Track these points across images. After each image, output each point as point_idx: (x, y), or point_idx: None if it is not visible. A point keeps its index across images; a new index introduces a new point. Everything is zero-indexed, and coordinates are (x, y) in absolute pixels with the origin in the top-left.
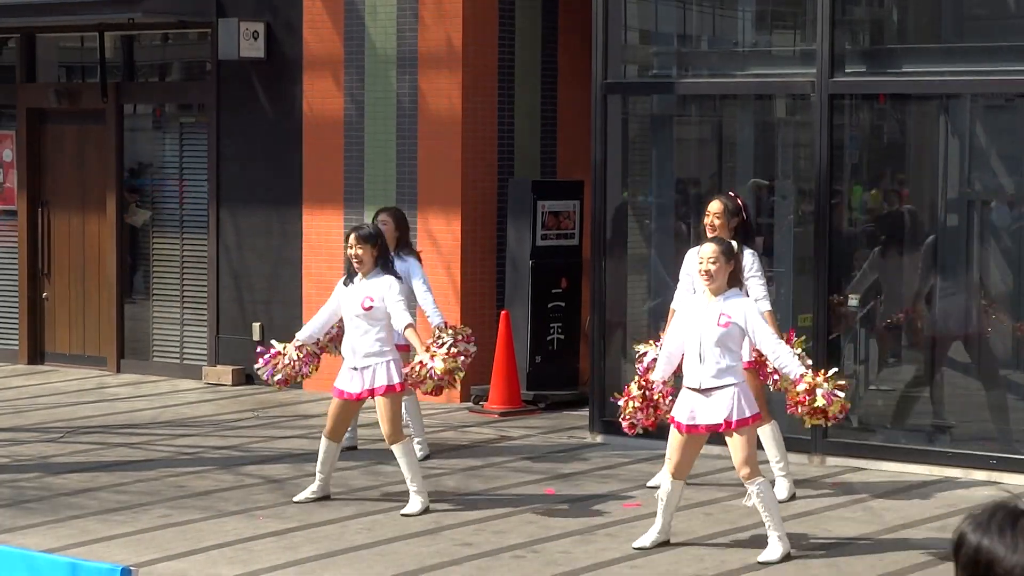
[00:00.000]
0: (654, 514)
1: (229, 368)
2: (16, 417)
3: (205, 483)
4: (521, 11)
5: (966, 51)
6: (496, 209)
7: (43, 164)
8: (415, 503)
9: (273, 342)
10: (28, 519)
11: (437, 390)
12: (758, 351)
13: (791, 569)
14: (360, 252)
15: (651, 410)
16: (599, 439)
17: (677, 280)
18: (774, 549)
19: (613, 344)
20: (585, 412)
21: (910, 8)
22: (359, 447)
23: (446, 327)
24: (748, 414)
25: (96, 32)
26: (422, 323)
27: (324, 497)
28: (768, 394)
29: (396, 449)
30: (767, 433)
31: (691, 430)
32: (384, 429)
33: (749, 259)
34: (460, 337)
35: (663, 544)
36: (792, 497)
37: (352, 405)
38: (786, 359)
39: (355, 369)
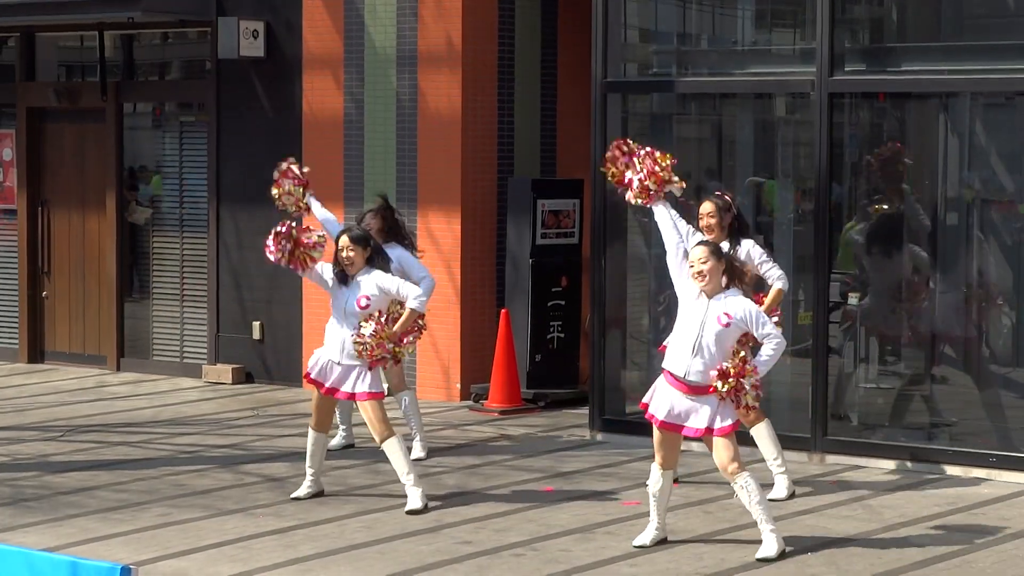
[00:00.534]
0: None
1: (229, 367)
2: (16, 416)
3: (205, 482)
4: (521, 9)
5: (966, 49)
6: (496, 208)
7: (43, 163)
8: (415, 498)
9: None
10: (28, 518)
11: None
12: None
13: (791, 567)
14: (351, 253)
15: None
16: (599, 437)
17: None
18: (769, 544)
19: (613, 343)
20: (585, 410)
21: (910, 7)
22: (356, 445)
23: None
24: (729, 423)
25: (96, 31)
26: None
27: (319, 493)
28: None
29: (386, 447)
30: (762, 431)
31: (672, 429)
32: (372, 431)
33: (753, 249)
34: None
35: (662, 541)
36: (792, 495)
37: (331, 397)
38: (767, 353)
39: (338, 364)
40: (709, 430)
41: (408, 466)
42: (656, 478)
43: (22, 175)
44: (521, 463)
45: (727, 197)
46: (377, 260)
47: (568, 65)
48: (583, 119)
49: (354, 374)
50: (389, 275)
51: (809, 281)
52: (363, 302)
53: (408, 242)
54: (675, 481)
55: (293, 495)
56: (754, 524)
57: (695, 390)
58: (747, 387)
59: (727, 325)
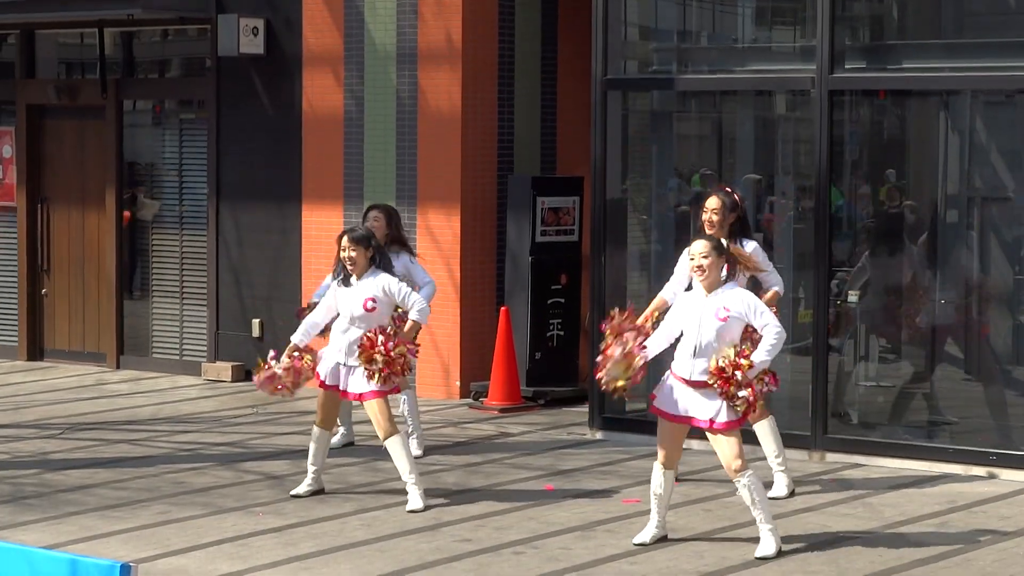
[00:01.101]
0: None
1: (228, 364)
2: (15, 413)
3: (204, 479)
4: (521, 7)
5: (966, 47)
6: (496, 205)
7: (42, 160)
8: (415, 498)
9: (268, 361)
10: (27, 516)
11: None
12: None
13: (791, 565)
14: (354, 254)
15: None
16: (599, 435)
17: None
18: (768, 543)
19: None
20: (585, 408)
21: (910, 4)
22: (356, 443)
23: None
24: (734, 418)
25: (96, 28)
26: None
27: (319, 491)
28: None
29: (389, 444)
30: (765, 428)
31: (680, 420)
32: (377, 429)
33: (755, 252)
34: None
35: (662, 539)
36: (792, 494)
37: (336, 398)
38: (767, 344)
39: (344, 366)
40: (712, 422)
41: (411, 465)
42: (658, 477)
43: (22, 172)
44: (521, 461)
45: (736, 197)
46: (380, 261)
47: (568, 62)
48: (583, 116)
49: (359, 373)
50: (396, 280)
51: (809, 279)
52: (369, 304)
53: (409, 249)
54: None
55: (293, 492)
56: (754, 522)
57: (701, 385)
58: (738, 393)
59: (725, 320)
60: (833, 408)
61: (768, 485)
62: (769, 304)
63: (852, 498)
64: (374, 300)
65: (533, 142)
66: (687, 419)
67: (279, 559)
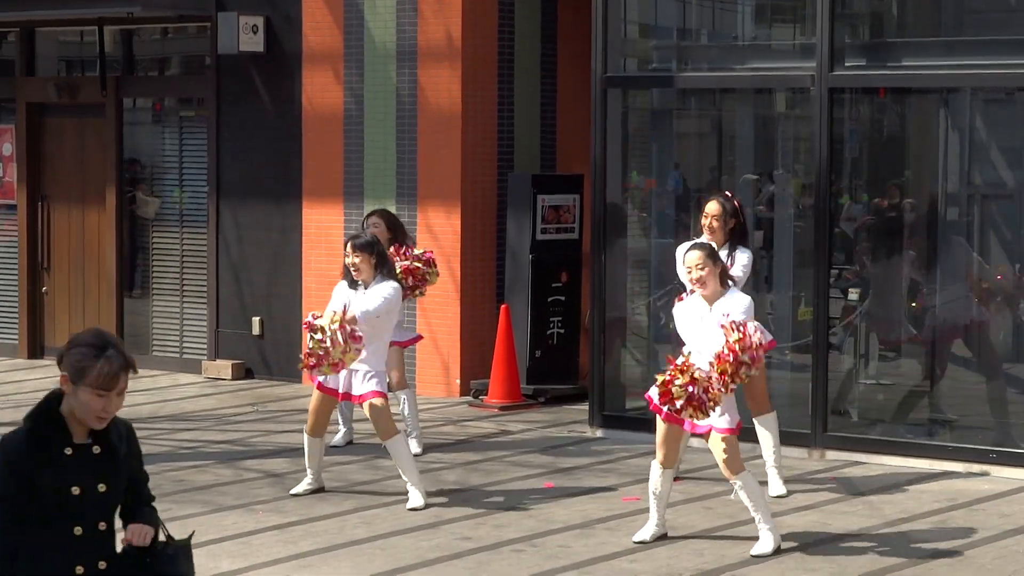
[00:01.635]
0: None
1: (229, 363)
2: (16, 411)
3: (205, 477)
4: (520, 5)
5: (966, 44)
6: (496, 203)
7: (43, 158)
8: (416, 497)
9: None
10: None
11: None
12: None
13: (791, 563)
14: (357, 260)
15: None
16: (599, 433)
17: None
18: (766, 542)
19: (613, 338)
20: (585, 406)
21: (909, 1)
22: (355, 441)
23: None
24: (731, 425)
25: (96, 26)
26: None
27: (319, 489)
28: (769, 386)
29: (391, 444)
30: (768, 422)
31: (677, 422)
32: (378, 429)
33: (748, 263)
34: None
35: (662, 537)
36: (787, 494)
37: (333, 401)
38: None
39: (348, 369)
40: (712, 427)
41: (411, 464)
42: (656, 477)
43: (22, 170)
44: (521, 459)
45: (736, 202)
46: (385, 265)
47: (568, 60)
48: (583, 114)
49: (360, 375)
50: (391, 292)
51: (809, 277)
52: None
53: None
54: (676, 478)
55: (293, 491)
56: (754, 520)
57: None
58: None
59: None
60: (834, 406)
61: (762, 483)
62: None
63: (852, 496)
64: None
65: (533, 140)
66: (683, 422)
67: (279, 557)
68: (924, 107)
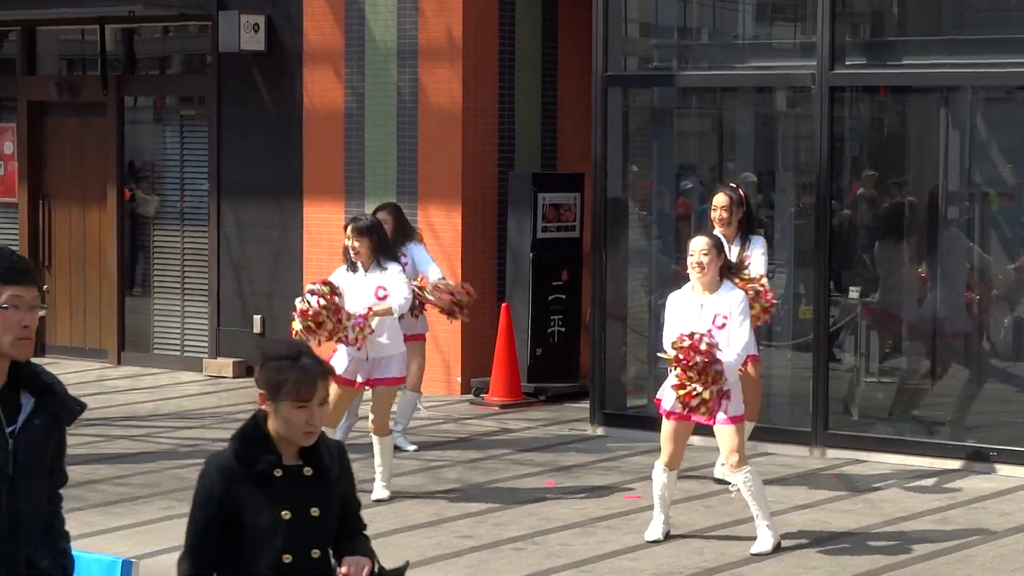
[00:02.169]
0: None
1: (230, 360)
2: None
3: None
4: (521, 3)
5: (966, 43)
6: (497, 201)
7: (44, 156)
8: (381, 491)
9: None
10: None
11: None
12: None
13: (791, 561)
14: (357, 244)
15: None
16: (599, 431)
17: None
18: (764, 540)
19: (614, 337)
20: (586, 404)
21: (910, 0)
22: (352, 440)
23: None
24: (738, 413)
25: (97, 24)
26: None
27: None
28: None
29: (380, 441)
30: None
31: (681, 418)
32: (376, 419)
33: (761, 255)
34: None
35: (665, 535)
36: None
37: (352, 393)
38: (731, 358)
39: (365, 359)
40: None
41: (388, 466)
42: (660, 478)
43: (23, 169)
44: (522, 457)
45: (741, 192)
46: (385, 251)
47: (569, 59)
48: (584, 113)
49: (380, 363)
50: (402, 275)
51: (810, 275)
52: (380, 293)
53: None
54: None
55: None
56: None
57: None
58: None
59: (722, 327)
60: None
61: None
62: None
63: (853, 494)
64: (384, 289)
65: (534, 138)
66: (688, 416)
67: None
68: (925, 106)
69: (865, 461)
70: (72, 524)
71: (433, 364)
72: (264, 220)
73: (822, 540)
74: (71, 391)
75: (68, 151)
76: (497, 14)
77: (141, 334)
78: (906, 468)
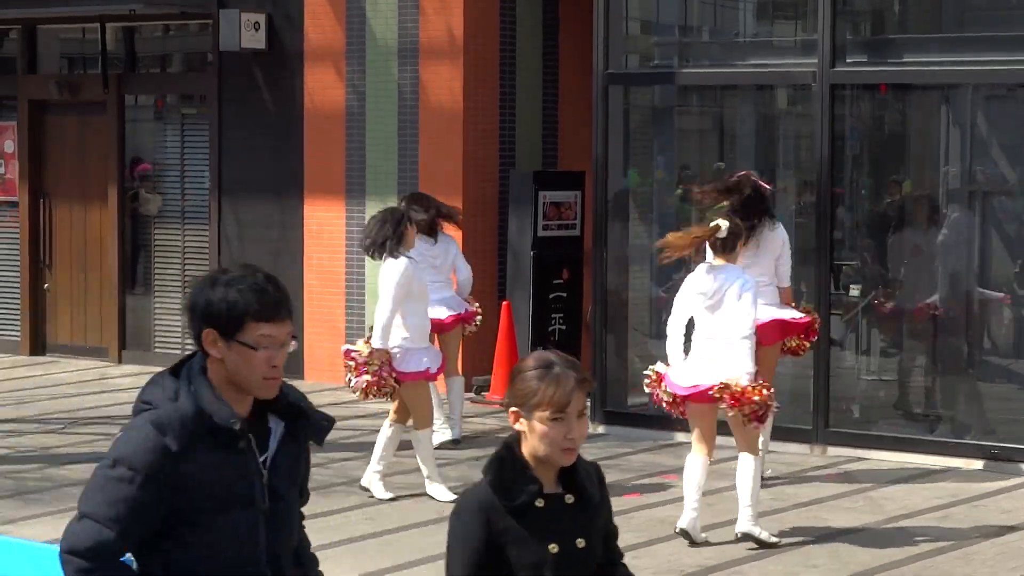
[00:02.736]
0: (657, 505)
1: None
2: (18, 408)
3: None
4: (522, 1)
5: (967, 41)
6: (497, 199)
7: (44, 155)
8: (438, 490)
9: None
10: (30, 510)
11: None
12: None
13: (793, 558)
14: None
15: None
16: (600, 429)
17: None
18: (744, 521)
19: (615, 335)
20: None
21: None
22: (353, 439)
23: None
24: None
25: (97, 23)
26: None
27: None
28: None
29: (413, 435)
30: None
31: (696, 399)
32: (412, 416)
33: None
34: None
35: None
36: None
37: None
38: (740, 356)
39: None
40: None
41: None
42: (700, 472)
43: (23, 167)
44: None
45: (762, 183)
46: (390, 246)
47: (569, 57)
48: (585, 111)
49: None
50: (392, 272)
51: (811, 273)
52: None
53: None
54: (673, 474)
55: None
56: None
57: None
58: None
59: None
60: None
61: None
62: (786, 302)
63: (854, 492)
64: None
65: (534, 136)
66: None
67: None
68: (925, 104)
69: (866, 459)
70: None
71: None
72: (265, 219)
73: (823, 538)
74: (72, 390)
75: (69, 150)
76: (498, 12)
77: (142, 333)
78: (907, 466)
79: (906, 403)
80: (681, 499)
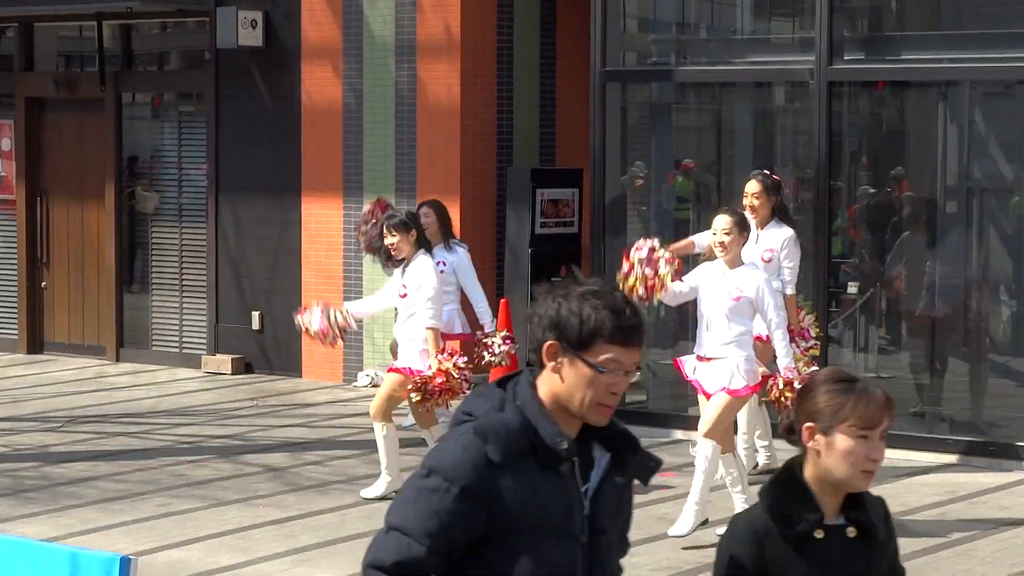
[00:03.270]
0: (655, 503)
1: (228, 357)
2: (15, 406)
3: (204, 472)
4: None
5: (965, 38)
6: (495, 197)
7: (42, 153)
8: (379, 485)
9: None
10: (28, 508)
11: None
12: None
13: None
14: (395, 239)
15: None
16: None
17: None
18: (685, 521)
19: None
20: None
21: None
22: (352, 437)
23: (492, 333)
24: (740, 386)
25: (94, 21)
26: (470, 316)
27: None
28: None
29: (376, 427)
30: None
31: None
32: (374, 402)
33: (788, 239)
34: (497, 343)
35: (703, 523)
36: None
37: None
38: (781, 349)
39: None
40: (724, 388)
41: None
42: (721, 465)
43: (21, 165)
44: None
45: (775, 179)
46: (423, 244)
47: (567, 54)
48: (582, 108)
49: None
50: (431, 281)
51: (808, 271)
52: (402, 291)
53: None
54: (671, 472)
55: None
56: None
57: (713, 360)
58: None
59: (738, 299)
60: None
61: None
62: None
63: None
64: (405, 287)
65: (532, 134)
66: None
67: (279, 551)
68: (923, 101)
69: None
70: (71, 521)
71: None
72: (262, 216)
73: None
74: (69, 388)
75: (66, 148)
76: (495, 10)
77: (140, 331)
78: (905, 463)
79: (904, 400)
80: (681, 497)
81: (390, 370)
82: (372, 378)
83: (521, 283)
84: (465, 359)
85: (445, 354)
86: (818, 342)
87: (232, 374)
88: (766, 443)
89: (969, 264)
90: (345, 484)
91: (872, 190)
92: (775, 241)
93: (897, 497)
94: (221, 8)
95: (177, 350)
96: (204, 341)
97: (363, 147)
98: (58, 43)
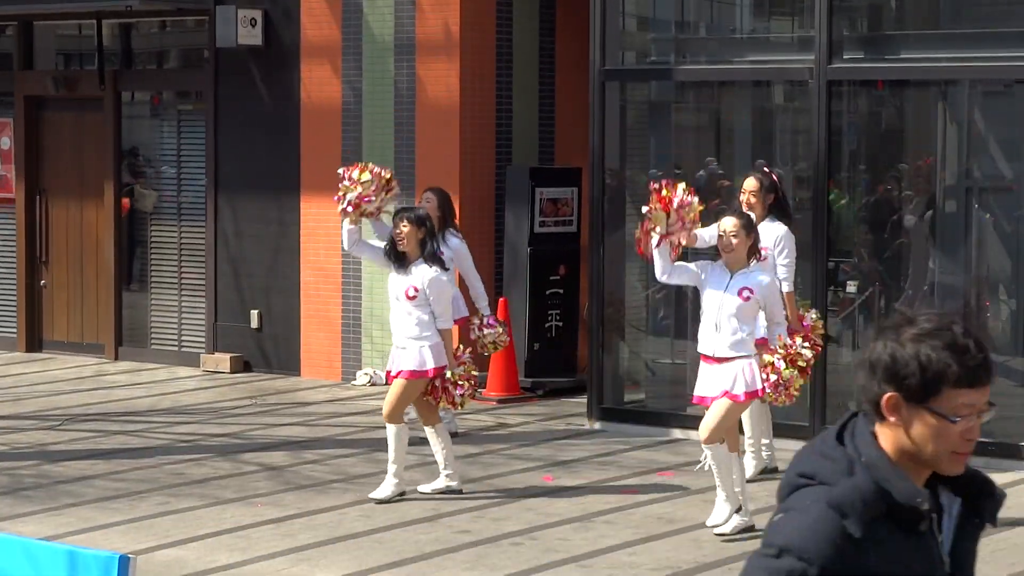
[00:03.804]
0: (654, 502)
1: (227, 356)
2: (14, 405)
3: (203, 471)
4: None
5: (964, 37)
6: (494, 196)
7: (41, 152)
8: (387, 487)
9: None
10: (26, 507)
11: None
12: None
13: None
14: (405, 230)
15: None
16: (597, 426)
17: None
18: (720, 512)
19: (611, 331)
20: (583, 399)
21: None
22: (351, 436)
23: (492, 322)
24: (742, 391)
25: (94, 19)
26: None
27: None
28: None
29: (388, 428)
30: (756, 408)
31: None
32: (385, 405)
33: (782, 235)
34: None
35: (738, 510)
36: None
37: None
38: (774, 336)
39: (400, 348)
40: (726, 392)
41: (400, 459)
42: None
43: (20, 164)
44: (520, 452)
45: (773, 177)
46: (429, 245)
47: (566, 53)
48: (581, 107)
49: (404, 353)
50: (445, 284)
51: (807, 270)
52: (411, 292)
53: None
54: (670, 471)
55: (376, 497)
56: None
57: (723, 360)
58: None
59: (747, 299)
60: None
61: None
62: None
63: None
64: (416, 289)
65: (531, 133)
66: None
67: (278, 550)
68: (922, 100)
69: None
70: (69, 520)
71: None
72: (261, 215)
73: None
74: (68, 387)
75: (65, 146)
76: (495, 8)
77: (138, 329)
78: None
79: None
80: (679, 496)
81: (398, 375)
82: (371, 376)
83: (520, 282)
84: (471, 354)
85: (464, 356)
86: (819, 341)
87: (231, 373)
88: (767, 441)
89: (968, 263)
90: (344, 483)
91: (871, 189)
92: (769, 238)
93: None
94: (220, 7)
95: (176, 349)
96: (203, 340)
97: (362, 146)
98: (57, 42)
